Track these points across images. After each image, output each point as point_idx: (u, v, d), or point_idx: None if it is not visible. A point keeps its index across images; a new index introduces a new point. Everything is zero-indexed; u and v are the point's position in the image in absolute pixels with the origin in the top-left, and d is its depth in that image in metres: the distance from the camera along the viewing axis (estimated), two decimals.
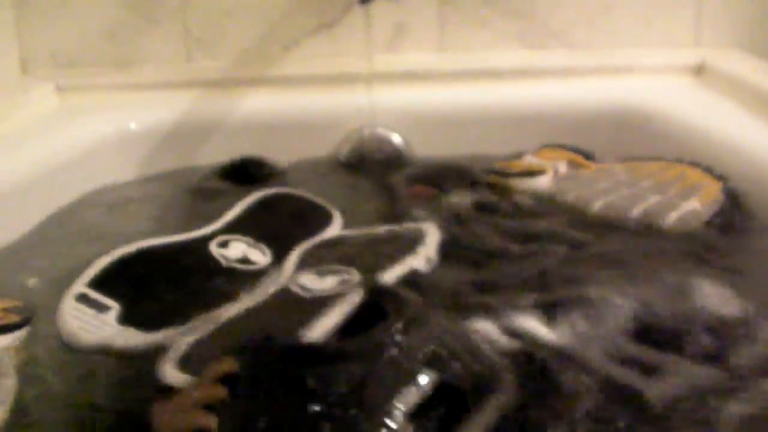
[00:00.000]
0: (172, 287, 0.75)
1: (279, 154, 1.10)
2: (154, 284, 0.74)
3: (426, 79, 1.16)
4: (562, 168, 0.94)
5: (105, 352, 0.67)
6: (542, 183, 0.93)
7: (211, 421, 0.51)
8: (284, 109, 1.14)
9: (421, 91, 1.15)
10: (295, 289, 0.69)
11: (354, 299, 0.65)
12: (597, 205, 0.84)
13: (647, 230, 0.82)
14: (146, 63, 1.20)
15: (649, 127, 1.07)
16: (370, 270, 0.71)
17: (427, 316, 0.59)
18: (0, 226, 0.88)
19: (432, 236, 0.78)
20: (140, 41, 1.20)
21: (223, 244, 0.81)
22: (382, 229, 0.83)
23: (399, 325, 0.55)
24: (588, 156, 0.98)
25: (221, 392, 0.53)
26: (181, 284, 0.75)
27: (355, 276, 0.69)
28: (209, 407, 0.52)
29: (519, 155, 1.01)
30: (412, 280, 0.71)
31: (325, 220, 0.90)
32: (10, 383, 0.63)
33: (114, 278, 0.74)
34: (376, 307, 0.62)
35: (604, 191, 0.86)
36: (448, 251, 0.77)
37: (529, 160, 0.98)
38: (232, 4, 1.19)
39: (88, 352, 0.67)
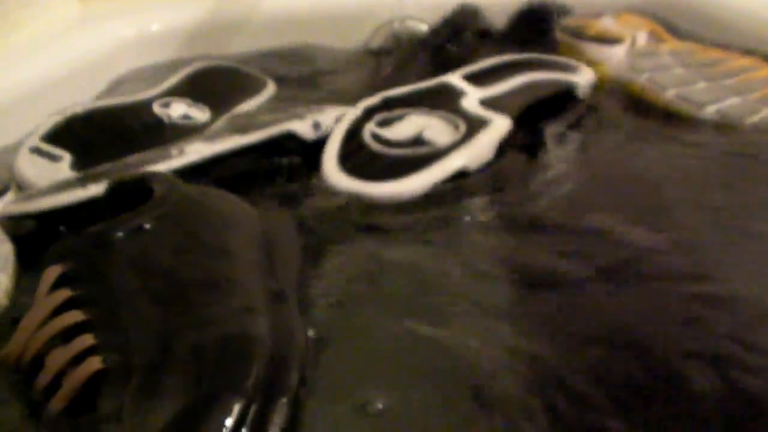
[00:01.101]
0: (119, 141, 0.80)
1: (306, 46, 1.07)
2: (103, 138, 0.80)
3: None
4: (641, 39, 0.86)
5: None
6: (616, 53, 0.85)
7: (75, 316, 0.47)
8: (312, 1, 1.11)
9: None
10: None
11: None
12: (669, 94, 0.77)
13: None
14: None
15: (694, 12, 1.01)
16: None
17: None
18: (17, 130, 0.86)
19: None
20: None
21: (166, 105, 0.87)
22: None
23: None
24: (673, 31, 0.90)
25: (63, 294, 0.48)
26: (127, 139, 0.80)
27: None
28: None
29: (597, 15, 0.93)
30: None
31: (258, 86, 0.96)
32: (7, 248, 0.62)
33: (65, 133, 0.79)
34: None
35: (679, 79, 0.79)
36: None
37: (607, 24, 0.89)
38: None
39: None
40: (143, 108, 0.86)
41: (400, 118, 0.76)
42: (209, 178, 0.69)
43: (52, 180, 0.71)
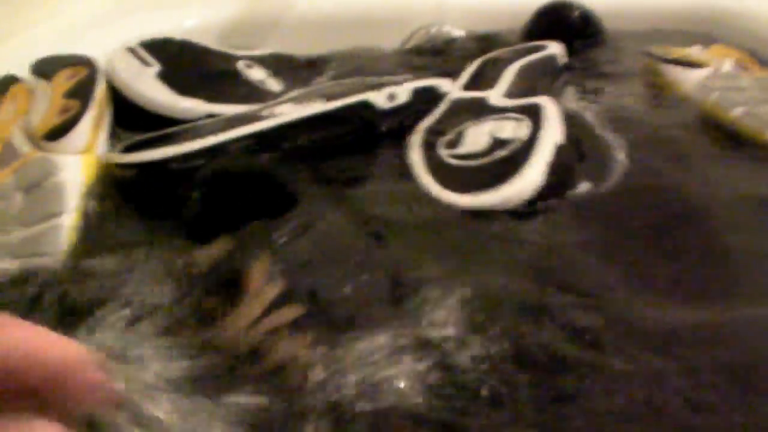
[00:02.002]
0: (205, 75, 0.88)
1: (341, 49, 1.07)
2: (190, 66, 0.89)
3: None
4: (727, 66, 0.85)
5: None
6: (695, 76, 0.83)
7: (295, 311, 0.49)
8: (348, 2, 1.11)
9: None
10: None
11: None
12: (737, 112, 0.76)
13: None
14: None
15: (729, 25, 1.04)
16: None
17: None
18: None
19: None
20: None
21: (249, 66, 0.93)
22: None
23: None
24: (763, 62, 0.89)
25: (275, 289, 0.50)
26: (212, 76, 0.89)
27: None
28: None
29: (687, 45, 0.93)
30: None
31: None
32: (73, 190, 0.67)
33: (161, 46, 0.89)
34: None
35: (750, 99, 0.77)
36: None
37: (693, 51, 0.89)
38: None
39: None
40: (230, 60, 0.93)
41: (460, 134, 0.76)
42: (293, 142, 0.75)
43: (136, 79, 0.83)
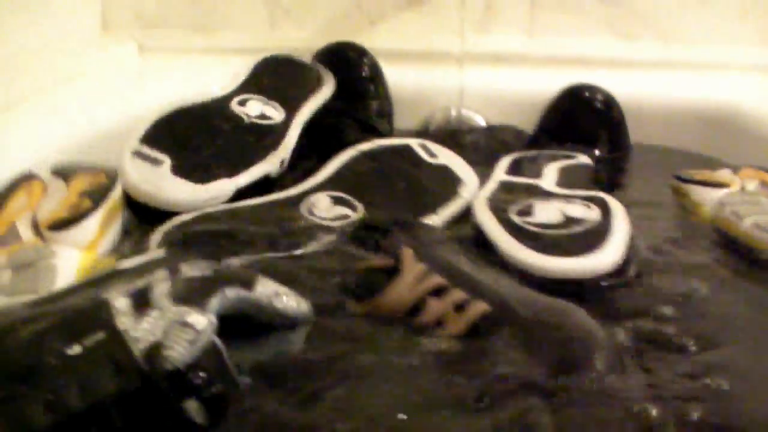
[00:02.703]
0: (209, 142, 0.87)
1: None
2: (196, 139, 0.87)
3: (513, 62, 1.14)
4: (751, 186, 0.85)
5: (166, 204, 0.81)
6: (716, 195, 0.84)
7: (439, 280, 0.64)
8: None
9: (508, 74, 1.13)
10: None
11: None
12: (746, 223, 0.76)
13: None
14: (228, 29, 1.20)
15: (742, 128, 1.04)
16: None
17: None
18: None
19: None
20: (224, 6, 1.20)
21: (242, 103, 0.93)
22: None
23: None
24: None
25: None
26: (215, 139, 0.88)
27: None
28: None
29: (719, 167, 0.93)
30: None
31: (320, 80, 1.03)
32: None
33: (161, 134, 0.86)
34: None
35: (761, 211, 0.78)
36: None
37: (722, 173, 0.89)
38: None
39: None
40: (223, 106, 0.92)
41: (530, 207, 0.78)
42: None
43: (155, 186, 0.81)
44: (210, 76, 1.10)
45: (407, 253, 0.66)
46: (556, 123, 1.04)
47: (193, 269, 0.58)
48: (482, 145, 1.04)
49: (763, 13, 1.16)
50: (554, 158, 0.93)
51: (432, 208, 0.82)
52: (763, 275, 0.74)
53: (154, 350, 0.48)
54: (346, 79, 1.07)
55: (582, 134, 1.02)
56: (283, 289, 0.59)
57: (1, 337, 0.51)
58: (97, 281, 0.59)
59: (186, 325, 0.50)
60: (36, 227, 0.73)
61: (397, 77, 1.10)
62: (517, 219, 0.76)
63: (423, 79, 1.12)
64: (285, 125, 0.93)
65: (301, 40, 1.15)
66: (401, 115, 1.10)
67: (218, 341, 0.51)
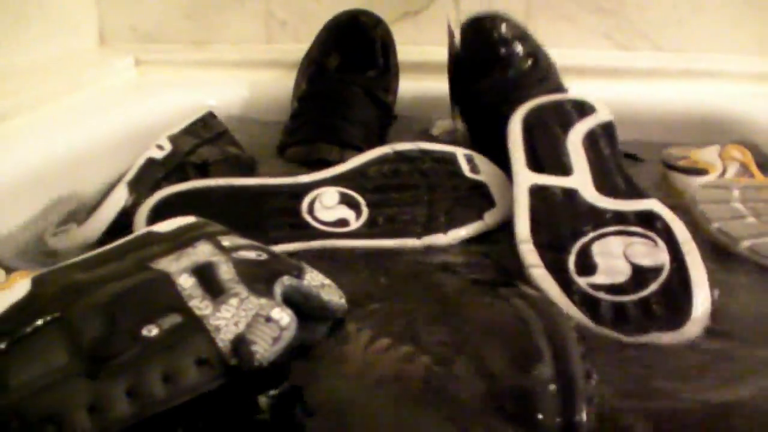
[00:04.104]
0: None
1: None
2: None
3: None
4: (732, 169, 0.85)
5: None
6: (695, 184, 0.82)
7: None
8: None
9: None
10: None
11: None
12: (714, 226, 0.74)
13: None
14: (224, 42, 1.21)
15: (737, 136, 1.00)
16: None
17: None
18: (75, 192, 0.87)
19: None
20: (220, 20, 1.21)
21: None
22: None
23: None
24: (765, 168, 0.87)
25: None
26: None
27: None
28: None
29: (707, 145, 0.91)
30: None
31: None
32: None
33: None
34: None
35: (729, 214, 0.75)
36: None
37: (705, 154, 0.89)
38: None
39: None
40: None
41: (586, 254, 0.66)
42: None
43: None
44: (206, 89, 1.12)
45: None
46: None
47: (241, 249, 0.55)
48: None
49: (758, 22, 1.17)
50: (567, 118, 0.79)
51: (444, 228, 0.75)
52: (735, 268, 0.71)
53: (241, 344, 0.46)
54: (356, 45, 1.04)
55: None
56: (327, 281, 0.56)
57: (66, 303, 0.47)
58: (134, 244, 0.55)
59: (270, 320, 0.48)
60: None
61: None
62: (581, 282, 0.63)
63: (420, 91, 1.10)
64: None
65: (298, 52, 1.12)
66: (397, 128, 1.06)
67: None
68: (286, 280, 0.52)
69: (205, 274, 0.50)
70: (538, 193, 0.72)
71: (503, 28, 0.94)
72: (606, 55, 1.17)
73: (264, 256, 0.54)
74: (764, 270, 0.69)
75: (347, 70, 1.02)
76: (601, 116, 0.79)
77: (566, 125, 0.78)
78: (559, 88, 0.92)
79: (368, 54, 1.04)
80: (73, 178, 0.87)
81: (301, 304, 0.52)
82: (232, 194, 0.76)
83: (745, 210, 0.76)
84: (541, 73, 0.93)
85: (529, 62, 0.93)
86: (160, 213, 0.71)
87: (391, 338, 0.53)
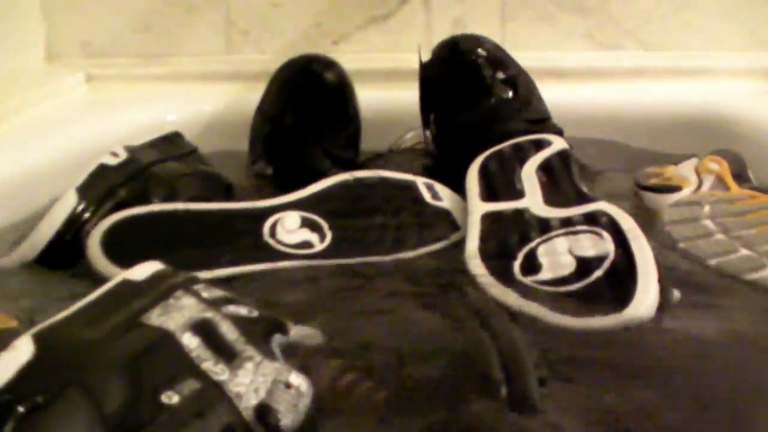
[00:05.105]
0: None
1: None
2: None
3: None
4: (707, 183, 0.83)
5: None
6: (665, 203, 0.81)
7: None
8: None
9: None
10: None
11: None
12: (679, 246, 0.74)
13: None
14: (183, 55, 1.16)
15: (727, 134, 0.99)
16: None
17: None
18: (25, 210, 0.84)
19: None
20: (177, 32, 1.17)
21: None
22: None
23: None
24: (738, 177, 0.85)
25: None
26: None
27: None
28: None
29: (687, 157, 0.89)
30: None
31: None
32: None
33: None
34: None
35: (696, 233, 0.75)
36: None
37: (680, 169, 0.86)
38: None
39: None
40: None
41: (532, 257, 0.68)
42: None
43: None
44: (165, 104, 1.08)
45: None
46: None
47: (224, 302, 0.53)
48: None
49: (745, 17, 1.14)
50: (524, 154, 0.82)
51: (411, 246, 0.75)
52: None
53: (267, 413, 0.45)
54: (311, 99, 0.97)
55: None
56: (309, 330, 0.56)
57: (80, 366, 0.44)
58: (118, 295, 0.52)
59: (290, 386, 0.47)
60: None
61: (363, 98, 1.01)
62: (526, 281, 0.65)
63: (390, 99, 1.06)
64: None
65: (261, 62, 1.10)
66: (367, 138, 1.02)
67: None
68: (279, 338, 0.52)
69: (208, 334, 0.48)
70: (489, 217, 0.75)
71: (480, 52, 0.94)
72: (588, 56, 1.14)
73: (255, 313, 0.53)
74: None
75: (304, 129, 0.96)
76: (556, 147, 0.83)
77: (523, 159, 0.81)
78: (539, 118, 0.92)
79: (324, 108, 0.97)
80: (21, 201, 0.84)
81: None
82: (191, 218, 0.74)
83: (713, 226, 0.75)
84: (519, 103, 0.92)
85: (509, 91, 0.93)
86: (115, 236, 0.69)
87: (356, 373, 0.52)
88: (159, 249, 0.65)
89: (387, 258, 0.72)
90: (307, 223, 0.75)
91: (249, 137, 0.99)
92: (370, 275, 0.70)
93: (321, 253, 0.73)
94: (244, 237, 0.73)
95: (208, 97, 1.09)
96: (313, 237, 0.74)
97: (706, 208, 0.77)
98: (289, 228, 0.74)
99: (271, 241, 0.72)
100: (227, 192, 0.87)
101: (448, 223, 0.79)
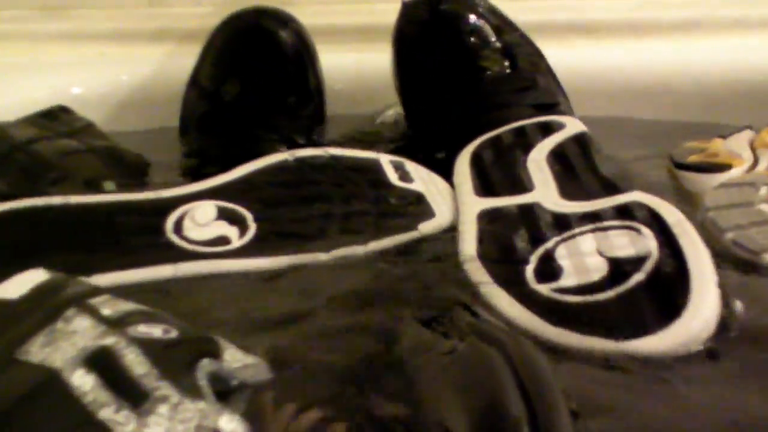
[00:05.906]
0: None
1: None
2: None
3: None
4: (765, 162, 0.75)
5: None
6: (710, 184, 0.73)
7: None
8: None
9: None
10: None
11: None
12: (727, 237, 0.65)
13: None
14: (93, 7, 1.04)
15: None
16: None
17: None
18: None
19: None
20: None
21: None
22: None
23: None
24: None
25: None
26: None
27: None
28: None
29: (739, 129, 0.80)
30: None
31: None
32: None
33: None
34: None
35: (747, 218, 0.67)
36: None
37: (729, 145, 0.78)
38: None
39: None
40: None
41: (549, 260, 0.60)
42: None
43: None
44: (68, 72, 0.95)
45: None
46: None
47: (133, 319, 0.46)
48: None
49: None
50: (529, 139, 0.75)
51: (363, 240, 0.66)
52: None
53: None
54: (261, 66, 0.86)
55: None
56: (249, 359, 0.48)
57: None
58: None
59: None
60: None
61: (327, 64, 0.88)
62: (541, 289, 0.57)
63: (364, 65, 0.94)
64: None
65: (196, 17, 0.97)
66: (335, 116, 0.89)
67: None
68: (207, 365, 0.45)
69: (108, 368, 0.42)
70: (487, 215, 0.68)
71: (467, 14, 0.86)
72: (625, 5, 0.99)
73: (173, 333, 0.46)
74: None
75: (251, 103, 0.85)
76: (570, 130, 0.76)
77: (528, 146, 0.74)
78: (547, 103, 0.83)
79: (278, 77, 0.87)
80: None
81: (220, 390, 0.46)
82: (70, 215, 0.66)
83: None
84: (521, 81, 0.84)
85: (506, 67, 0.85)
86: None
87: (322, 409, 0.45)
88: (21, 256, 0.58)
89: (325, 256, 0.64)
90: (224, 215, 0.67)
91: (180, 115, 0.88)
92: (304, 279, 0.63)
93: (238, 250, 0.65)
94: (138, 235, 0.66)
95: (127, 63, 0.97)
96: (231, 231, 0.67)
97: (763, 191, 0.70)
98: (200, 221, 0.67)
99: (174, 238, 0.65)
100: (140, 172, 0.81)
101: (418, 210, 0.70)
